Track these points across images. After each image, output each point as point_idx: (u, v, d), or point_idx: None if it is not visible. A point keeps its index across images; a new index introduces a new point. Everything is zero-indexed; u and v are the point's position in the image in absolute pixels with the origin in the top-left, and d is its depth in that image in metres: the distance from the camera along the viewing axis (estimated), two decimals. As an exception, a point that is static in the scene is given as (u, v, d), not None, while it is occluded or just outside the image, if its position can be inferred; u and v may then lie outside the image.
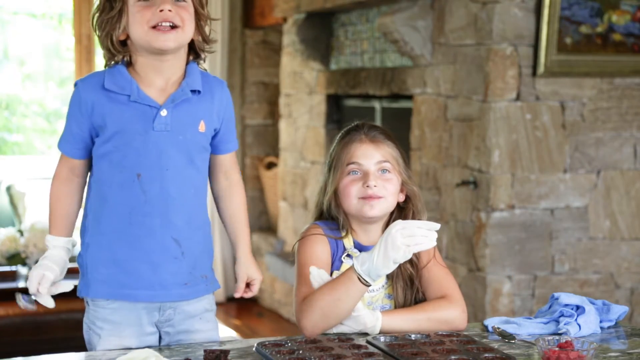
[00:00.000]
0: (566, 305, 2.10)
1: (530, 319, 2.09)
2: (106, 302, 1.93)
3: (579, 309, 2.08)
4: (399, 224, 1.89)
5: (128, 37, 1.91)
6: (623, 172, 3.79)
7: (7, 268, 4.44)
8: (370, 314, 1.97)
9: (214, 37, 2.00)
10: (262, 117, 6.32)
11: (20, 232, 4.79)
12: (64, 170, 1.98)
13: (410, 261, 2.07)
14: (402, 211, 2.13)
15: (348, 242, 2.09)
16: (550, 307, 2.15)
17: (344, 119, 5.04)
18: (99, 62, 6.31)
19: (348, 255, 2.07)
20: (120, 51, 1.91)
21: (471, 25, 3.69)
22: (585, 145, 3.72)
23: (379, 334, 1.97)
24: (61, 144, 1.96)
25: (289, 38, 5.32)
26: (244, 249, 2.07)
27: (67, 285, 1.93)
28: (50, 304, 1.93)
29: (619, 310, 2.14)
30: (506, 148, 3.60)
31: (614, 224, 3.78)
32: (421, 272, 2.09)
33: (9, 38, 6.93)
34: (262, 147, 6.32)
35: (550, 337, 1.83)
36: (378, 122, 4.61)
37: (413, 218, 2.12)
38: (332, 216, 2.12)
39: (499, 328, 2.04)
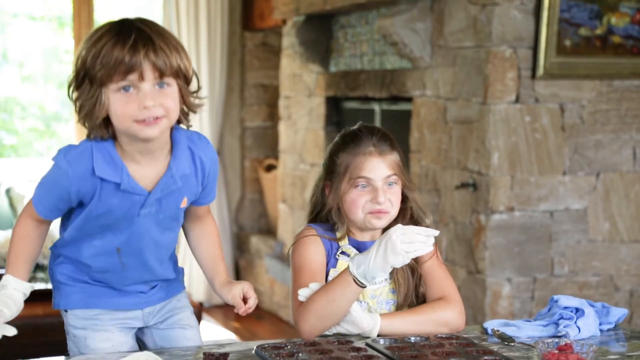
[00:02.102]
0: (565, 307, 2.10)
1: (530, 321, 2.09)
2: (85, 310, 1.96)
3: (578, 311, 2.08)
4: (399, 229, 1.89)
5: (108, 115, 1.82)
6: (622, 174, 3.79)
7: (6, 271, 4.43)
8: (368, 317, 1.97)
9: (201, 99, 1.91)
10: (261, 119, 6.32)
11: (20, 234, 4.78)
12: (32, 216, 1.91)
13: (414, 260, 2.07)
14: (400, 211, 2.13)
15: (343, 240, 2.10)
16: (549, 309, 2.15)
17: (344, 121, 5.04)
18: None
19: (343, 253, 2.08)
20: (103, 130, 1.82)
21: (470, 28, 3.69)
22: (584, 147, 3.72)
23: (379, 336, 1.97)
24: (36, 203, 1.89)
25: (289, 40, 5.32)
26: (223, 277, 2.05)
27: (12, 331, 1.88)
28: (8, 331, 1.88)
29: (618, 312, 2.14)
30: (505, 150, 3.60)
31: (613, 226, 3.78)
32: (422, 267, 2.10)
33: (8, 40, 6.93)
34: (262, 149, 6.32)
35: (549, 340, 1.83)
36: (377, 124, 4.61)
37: (411, 217, 2.13)
38: (329, 219, 2.12)
39: (498, 331, 2.04)
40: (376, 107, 4.64)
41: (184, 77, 1.83)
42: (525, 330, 2.04)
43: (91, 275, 1.94)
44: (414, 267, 2.10)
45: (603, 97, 3.73)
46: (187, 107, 1.87)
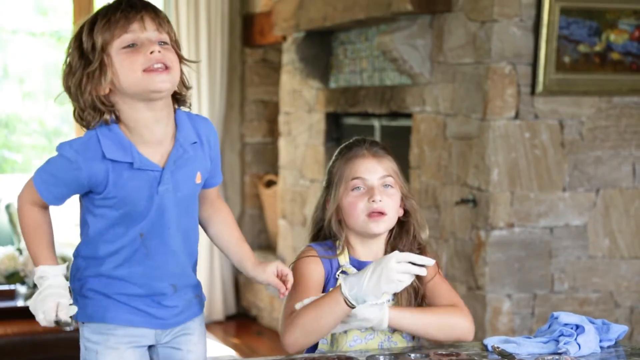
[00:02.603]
0: (566, 324, 2.09)
1: (530, 338, 2.09)
2: (101, 325, 1.93)
3: (578, 328, 2.08)
4: (395, 256, 1.88)
5: (111, 90, 1.82)
6: (622, 190, 3.79)
7: (5, 287, 4.43)
8: (377, 309, 1.96)
9: (189, 84, 1.94)
10: (261, 135, 6.33)
11: (19, 250, 4.78)
12: (37, 203, 1.89)
13: (417, 276, 2.07)
14: (403, 226, 2.13)
15: (343, 259, 2.10)
16: (549, 326, 2.15)
17: (344, 137, 5.05)
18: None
19: (343, 272, 2.07)
20: (109, 107, 1.82)
21: (470, 44, 3.70)
22: (584, 163, 3.73)
23: (379, 350, 1.97)
24: (43, 191, 1.87)
25: (289, 56, 5.34)
26: (252, 258, 2.03)
27: (74, 309, 1.90)
28: (71, 326, 1.88)
29: (618, 329, 2.13)
30: (505, 166, 3.61)
31: (613, 242, 3.78)
32: (426, 286, 2.10)
33: (8, 57, 6.95)
34: (262, 165, 6.33)
35: (549, 357, 1.82)
36: (377, 140, 4.61)
37: (414, 233, 2.12)
38: (331, 233, 2.12)
39: (498, 347, 2.03)
40: (376, 123, 4.65)
41: (176, 44, 1.87)
42: (526, 347, 2.04)
43: (115, 277, 1.90)
44: (417, 288, 2.09)
45: (602, 113, 3.74)
46: (182, 80, 1.90)
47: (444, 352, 1.97)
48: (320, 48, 5.02)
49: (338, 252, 2.10)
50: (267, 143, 6.33)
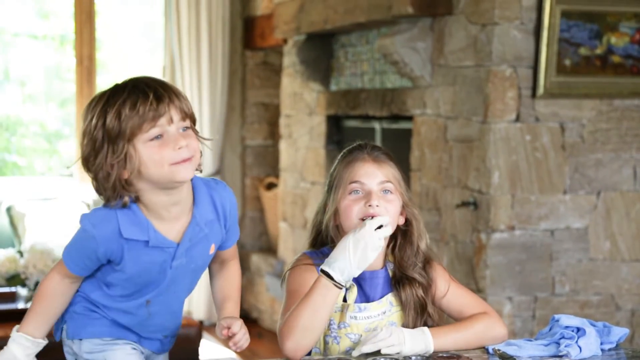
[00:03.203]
0: (567, 327, 2.09)
1: (531, 340, 2.09)
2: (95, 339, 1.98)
3: (579, 330, 2.08)
4: (370, 225, 1.93)
5: (131, 174, 1.83)
6: (623, 193, 3.79)
7: (6, 289, 4.43)
8: (421, 337, 1.97)
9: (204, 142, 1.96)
10: (262, 137, 6.33)
11: (20, 253, 4.78)
12: (63, 273, 1.92)
13: (425, 290, 2.07)
14: (405, 235, 2.11)
15: None
16: (550, 329, 2.14)
17: (344, 139, 5.05)
18: (100, 83, 6.33)
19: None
20: (129, 190, 1.84)
21: (471, 47, 3.71)
22: (585, 166, 3.73)
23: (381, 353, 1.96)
24: (68, 262, 1.90)
25: (289, 59, 5.34)
26: (226, 313, 2.04)
27: None
28: None
29: (619, 332, 2.13)
30: (506, 169, 3.61)
31: (614, 245, 3.78)
32: (441, 302, 2.11)
33: (10, 59, 6.95)
34: (262, 167, 6.33)
35: (551, 359, 1.82)
36: (378, 143, 4.62)
37: (416, 242, 2.11)
38: (329, 237, 2.11)
39: (499, 350, 2.03)
40: (377, 125, 4.65)
41: (194, 121, 1.89)
42: (527, 350, 2.04)
43: (113, 318, 1.96)
44: (424, 305, 2.08)
45: (603, 116, 3.74)
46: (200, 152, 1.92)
47: (445, 355, 1.97)
48: (321, 51, 5.02)
49: None
50: (267, 146, 6.33)
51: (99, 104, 1.83)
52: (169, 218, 1.87)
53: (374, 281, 2.07)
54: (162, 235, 1.86)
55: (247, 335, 1.98)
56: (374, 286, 2.06)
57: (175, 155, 1.80)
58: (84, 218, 1.87)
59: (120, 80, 1.87)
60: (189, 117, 1.85)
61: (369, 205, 2.01)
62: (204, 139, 1.91)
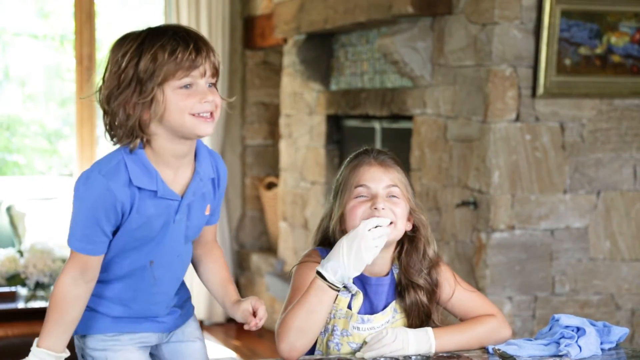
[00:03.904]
0: (567, 326, 2.09)
1: (531, 340, 2.09)
2: (107, 333, 1.96)
3: (579, 330, 2.08)
4: (364, 226, 1.91)
5: (152, 119, 1.82)
6: (623, 193, 3.79)
7: (6, 289, 4.43)
8: (424, 338, 1.97)
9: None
10: (262, 137, 6.33)
11: (20, 252, 4.78)
12: (76, 266, 1.83)
13: (429, 297, 2.07)
14: (412, 241, 2.10)
15: None
16: (550, 328, 2.15)
17: (344, 139, 5.05)
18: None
19: (345, 286, 2.01)
20: (146, 133, 1.83)
21: (471, 47, 3.71)
22: (585, 166, 3.73)
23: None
24: (79, 244, 1.81)
25: (289, 59, 5.34)
26: (234, 297, 2.03)
27: None
28: None
29: (619, 331, 2.13)
30: (506, 169, 3.61)
31: (614, 244, 3.78)
32: (448, 304, 2.10)
33: (10, 59, 6.95)
34: (262, 167, 6.33)
35: (550, 359, 1.82)
36: (378, 142, 4.62)
37: (423, 248, 2.10)
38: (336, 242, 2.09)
39: (499, 350, 2.03)
40: (377, 125, 4.65)
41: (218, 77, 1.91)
42: (527, 350, 2.04)
43: (117, 301, 1.92)
44: (430, 313, 2.08)
45: (603, 115, 3.74)
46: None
47: (445, 355, 1.97)
48: (321, 50, 5.02)
49: None
50: (267, 145, 6.33)
51: (133, 43, 1.81)
52: (175, 169, 1.87)
53: (380, 288, 2.05)
54: (168, 187, 1.85)
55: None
56: (379, 293, 2.05)
57: (200, 107, 1.81)
58: (92, 173, 1.81)
59: (154, 24, 1.87)
60: (217, 74, 1.87)
61: (375, 208, 2.00)
62: (224, 99, 1.93)
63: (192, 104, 1.81)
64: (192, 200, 1.90)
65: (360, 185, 2.04)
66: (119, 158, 1.82)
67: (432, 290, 2.08)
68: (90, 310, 1.92)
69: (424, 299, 2.06)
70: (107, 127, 1.85)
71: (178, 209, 1.87)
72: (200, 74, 1.82)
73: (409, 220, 2.08)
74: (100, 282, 1.91)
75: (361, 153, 2.11)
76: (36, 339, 1.84)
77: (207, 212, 1.96)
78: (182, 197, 1.88)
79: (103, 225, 1.81)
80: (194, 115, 1.81)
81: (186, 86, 1.81)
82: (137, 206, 1.83)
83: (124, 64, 1.80)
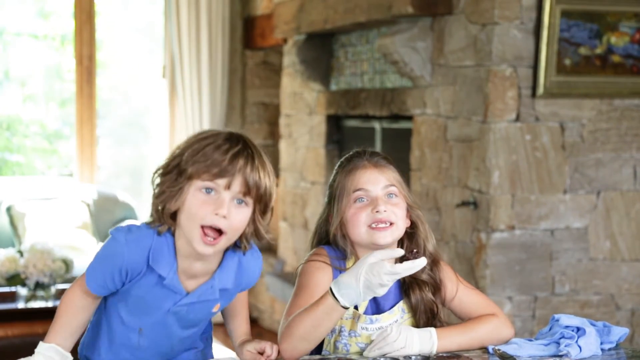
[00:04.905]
0: (567, 326, 2.09)
1: (531, 340, 2.09)
2: None
3: (579, 330, 2.08)
4: (384, 269, 1.83)
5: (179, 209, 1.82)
6: (623, 193, 3.79)
7: (6, 289, 4.42)
8: (427, 338, 1.96)
9: (266, 230, 1.89)
10: (262, 137, 6.33)
11: (20, 252, 4.78)
12: (83, 289, 1.90)
13: (434, 292, 2.07)
14: (411, 238, 2.09)
15: None
16: (550, 328, 2.14)
17: (344, 139, 5.05)
18: (100, 83, 6.33)
19: None
20: (168, 223, 1.83)
21: (471, 47, 3.71)
22: (585, 166, 3.73)
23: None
24: (90, 283, 1.87)
25: (289, 59, 5.34)
26: (242, 338, 2.05)
27: None
28: None
29: (619, 331, 2.13)
30: (506, 169, 3.61)
31: (614, 245, 3.78)
32: (451, 304, 2.10)
33: (10, 59, 6.95)
34: (263, 167, 6.32)
35: (550, 359, 1.82)
36: (378, 142, 4.62)
37: (423, 244, 2.09)
38: (338, 247, 2.08)
39: (499, 349, 2.03)
40: (377, 125, 4.65)
41: (264, 205, 1.85)
42: (527, 350, 2.03)
43: (110, 350, 1.96)
44: (435, 310, 2.08)
45: (603, 116, 3.74)
46: (255, 232, 1.88)
47: (445, 355, 1.97)
48: (321, 50, 5.02)
49: (348, 263, 2.06)
50: (267, 145, 6.33)
51: (198, 136, 1.83)
52: (194, 264, 1.86)
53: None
54: (178, 280, 1.85)
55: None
56: (386, 293, 2.05)
57: (208, 218, 1.78)
58: (120, 230, 1.85)
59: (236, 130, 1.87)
60: (254, 195, 1.80)
61: (377, 212, 2.00)
62: (262, 231, 1.86)
63: (204, 214, 1.78)
64: (196, 300, 1.89)
65: (359, 189, 2.03)
66: (148, 233, 1.85)
67: (437, 286, 2.08)
68: (92, 337, 1.99)
69: (429, 295, 2.06)
70: (152, 201, 1.87)
71: (178, 302, 1.88)
72: (225, 185, 1.77)
73: (407, 216, 2.08)
74: (100, 319, 1.96)
75: (354, 156, 2.10)
76: (40, 342, 1.90)
77: (215, 310, 1.95)
78: (187, 293, 1.87)
79: (106, 278, 1.86)
80: (202, 227, 1.78)
81: (207, 190, 1.78)
82: (141, 283, 1.85)
83: (179, 150, 1.83)
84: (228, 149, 1.78)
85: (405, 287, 2.08)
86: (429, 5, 3.84)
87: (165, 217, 1.82)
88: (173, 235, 1.84)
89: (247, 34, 6.18)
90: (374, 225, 2.01)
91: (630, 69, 3.70)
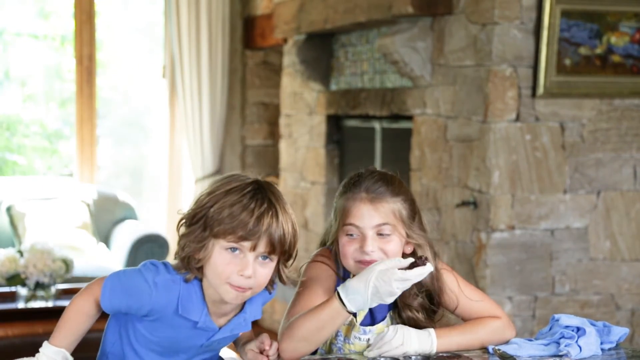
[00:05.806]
0: (567, 326, 2.09)
1: (531, 340, 2.09)
2: None
3: (579, 330, 2.08)
4: (395, 276, 1.84)
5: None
6: (623, 193, 3.79)
7: (6, 289, 4.42)
8: (427, 338, 1.97)
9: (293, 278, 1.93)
10: (262, 137, 6.33)
11: (20, 252, 4.78)
12: (96, 299, 1.90)
13: (426, 314, 2.07)
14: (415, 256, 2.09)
15: None
16: (550, 328, 2.14)
17: (344, 139, 5.05)
18: (100, 83, 6.33)
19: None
20: (195, 274, 1.86)
21: (471, 47, 3.71)
22: (585, 166, 3.72)
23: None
24: (105, 302, 1.88)
25: (289, 59, 5.34)
26: (243, 339, 2.06)
27: None
28: None
29: (619, 331, 2.13)
30: (506, 169, 3.61)
31: (614, 244, 3.78)
32: (456, 312, 2.10)
33: (10, 59, 6.95)
34: (263, 167, 6.33)
35: (551, 359, 1.82)
36: (378, 142, 4.62)
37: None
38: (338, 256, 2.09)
39: (499, 349, 2.03)
40: (377, 125, 4.65)
41: (287, 256, 1.87)
42: (527, 350, 2.03)
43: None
44: (435, 311, 2.08)
45: (603, 115, 3.74)
46: (279, 279, 1.91)
47: (445, 355, 1.97)
48: (321, 50, 5.02)
49: (352, 275, 2.06)
50: (267, 145, 6.33)
51: (224, 187, 1.83)
52: (221, 308, 1.89)
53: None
54: (210, 319, 1.88)
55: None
56: (380, 306, 2.04)
57: (235, 279, 1.81)
58: (148, 270, 1.86)
59: (258, 175, 1.87)
60: (279, 251, 1.83)
61: (364, 251, 1.99)
62: (284, 276, 1.89)
63: (229, 273, 1.81)
64: (228, 333, 1.92)
65: (350, 224, 2.01)
66: (177, 281, 1.86)
67: (430, 309, 2.08)
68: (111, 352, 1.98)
69: (420, 316, 2.06)
70: (177, 249, 1.88)
71: (211, 337, 1.91)
72: (250, 247, 1.80)
73: (407, 244, 2.06)
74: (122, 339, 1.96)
75: (354, 183, 2.05)
76: (46, 342, 1.91)
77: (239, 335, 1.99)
78: (220, 328, 1.91)
79: (122, 306, 1.87)
80: (229, 284, 1.82)
81: (232, 249, 1.81)
82: (170, 328, 1.87)
83: (203, 203, 1.83)
84: (254, 208, 1.79)
85: (395, 304, 2.07)
86: (429, 5, 3.84)
87: (192, 268, 1.84)
88: (200, 280, 1.87)
89: (247, 33, 6.18)
90: (360, 260, 2.00)
91: (630, 69, 3.70)
